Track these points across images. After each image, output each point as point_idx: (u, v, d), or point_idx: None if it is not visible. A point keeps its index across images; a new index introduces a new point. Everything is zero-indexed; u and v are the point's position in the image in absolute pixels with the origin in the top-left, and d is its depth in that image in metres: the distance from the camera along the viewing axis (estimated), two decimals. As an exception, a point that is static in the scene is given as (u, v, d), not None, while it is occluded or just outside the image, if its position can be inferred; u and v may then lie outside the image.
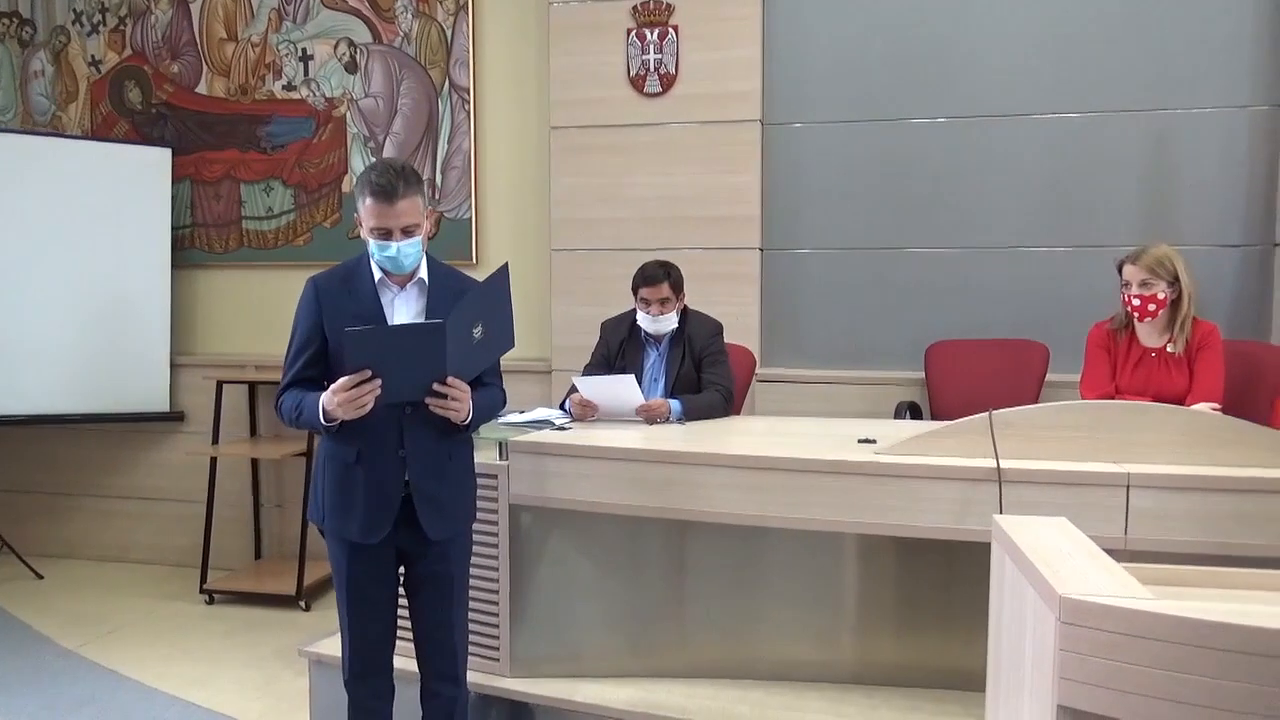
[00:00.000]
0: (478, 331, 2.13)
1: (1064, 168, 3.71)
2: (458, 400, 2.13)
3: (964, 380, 3.61)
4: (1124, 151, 3.65)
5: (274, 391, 2.34)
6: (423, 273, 2.26)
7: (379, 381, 2.03)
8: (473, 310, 2.12)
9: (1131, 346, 2.92)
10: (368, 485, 2.20)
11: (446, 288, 2.27)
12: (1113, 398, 2.85)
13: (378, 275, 2.23)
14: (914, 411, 3.64)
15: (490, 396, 2.33)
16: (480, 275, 4.44)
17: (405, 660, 2.39)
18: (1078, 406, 2.46)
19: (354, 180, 4.45)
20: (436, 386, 2.10)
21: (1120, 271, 2.88)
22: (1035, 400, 3.40)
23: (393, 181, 2.13)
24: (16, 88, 4.84)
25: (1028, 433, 2.37)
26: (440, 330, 2.03)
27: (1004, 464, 2.28)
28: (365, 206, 2.16)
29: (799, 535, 2.62)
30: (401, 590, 2.35)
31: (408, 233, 2.16)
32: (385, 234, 2.15)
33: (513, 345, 2.31)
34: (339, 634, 2.34)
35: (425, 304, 2.25)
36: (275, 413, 2.30)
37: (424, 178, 4.32)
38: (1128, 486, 2.22)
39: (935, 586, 2.67)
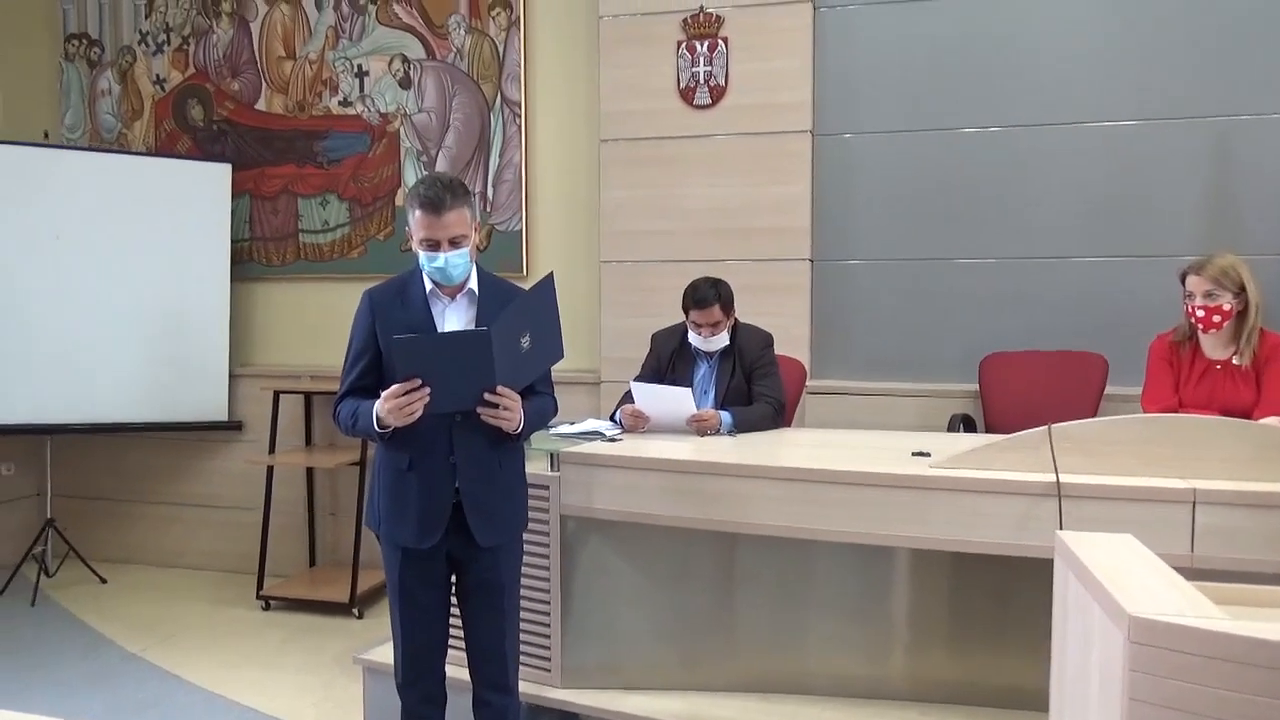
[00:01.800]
0: (525, 341, 2.16)
1: (1121, 176, 3.64)
2: (509, 409, 2.17)
3: (1020, 393, 3.55)
4: (1184, 158, 3.57)
5: (329, 401, 2.40)
6: (472, 284, 2.31)
7: (428, 390, 2.08)
8: (518, 320, 2.15)
9: (1195, 359, 2.85)
10: (420, 491, 2.24)
11: (496, 298, 2.32)
12: (1176, 411, 2.78)
13: (429, 286, 2.28)
14: (968, 424, 3.59)
15: (542, 405, 2.36)
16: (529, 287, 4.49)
17: (459, 669, 2.42)
18: (1140, 420, 2.41)
19: (406, 194, 4.53)
20: (487, 396, 2.13)
21: (1183, 282, 2.82)
22: (1094, 413, 3.33)
23: (440, 194, 2.19)
24: (85, 106, 5.00)
25: (1088, 447, 2.32)
26: (485, 337, 2.07)
27: (1064, 479, 2.24)
28: (414, 219, 2.23)
29: (850, 548, 2.60)
30: (454, 599, 2.38)
31: (455, 244, 2.21)
32: (433, 245, 2.21)
33: (562, 355, 2.34)
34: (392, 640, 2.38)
35: (475, 314, 2.30)
36: (333, 421, 2.35)
37: (475, 191, 4.41)
38: (1194, 503, 2.16)
39: (990, 602, 2.63)
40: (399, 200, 4.57)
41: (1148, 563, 1.36)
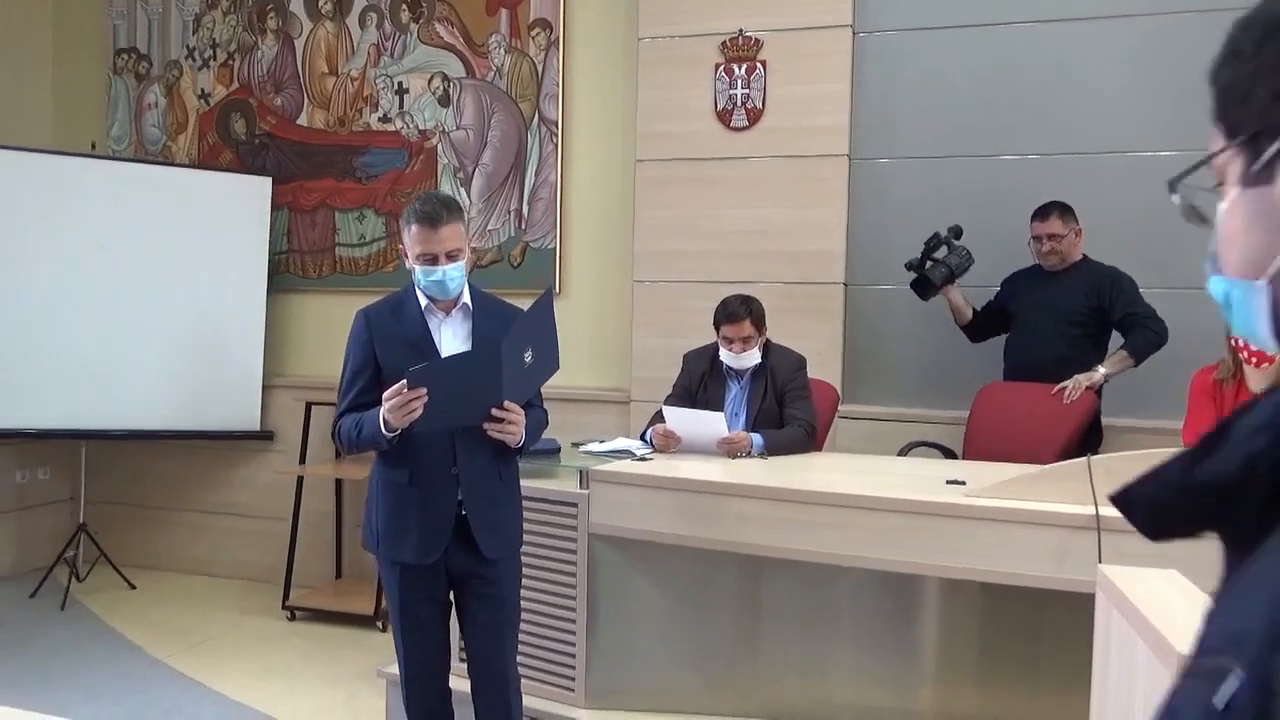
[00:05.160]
0: (528, 356, 2.21)
1: (1161, 206, 3.53)
2: (513, 424, 2.20)
3: (1001, 423, 3.43)
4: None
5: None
6: (466, 299, 2.34)
7: (424, 391, 2.09)
8: (522, 336, 2.20)
9: (1239, 394, 2.79)
10: (421, 506, 2.26)
11: (489, 312, 2.36)
12: (1219, 446, 2.72)
13: (424, 303, 2.32)
14: (948, 453, 3.52)
15: (538, 418, 2.39)
16: (562, 305, 4.50)
17: (465, 681, 2.41)
18: (1183, 454, 2.35)
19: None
20: (495, 411, 2.16)
21: (1229, 315, 2.76)
22: (1069, 445, 3.24)
23: (437, 209, 2.25)
24: (131, 119, 5.10)
25: (1129, 479, 2.27)
26: (496, 353, 2.12)
27: (1104, 511, 2.19)
28: (411, 233, 2.27)
29: (880, 576, 2.56)
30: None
31: (452, 257, 2.26)
32: (431, 259, 2.24)
33: (558, 368, 2.37)
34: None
35: (471, 328, 2.33)
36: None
37: (511, 208, 4.45)
38: (1238, 540, 2.11)
39: (1021, 635, 2.57)
40: (435, 216, 4.60)
41: (1195, 599, 1.32)
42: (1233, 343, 2.75)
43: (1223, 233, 0.64)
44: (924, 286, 3.57)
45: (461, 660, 2.40)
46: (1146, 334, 3.28)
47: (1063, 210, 3.43)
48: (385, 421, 2.16)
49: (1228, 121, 0.64)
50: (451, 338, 2.32)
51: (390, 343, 2.28)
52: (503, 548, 2.33)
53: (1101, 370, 3.31)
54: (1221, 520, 0.59)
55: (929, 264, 3.57)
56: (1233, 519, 0.57)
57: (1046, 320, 3.39)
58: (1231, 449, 0.59)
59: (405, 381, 2.10)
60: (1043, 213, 3.45)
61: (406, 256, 2.31)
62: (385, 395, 2.15)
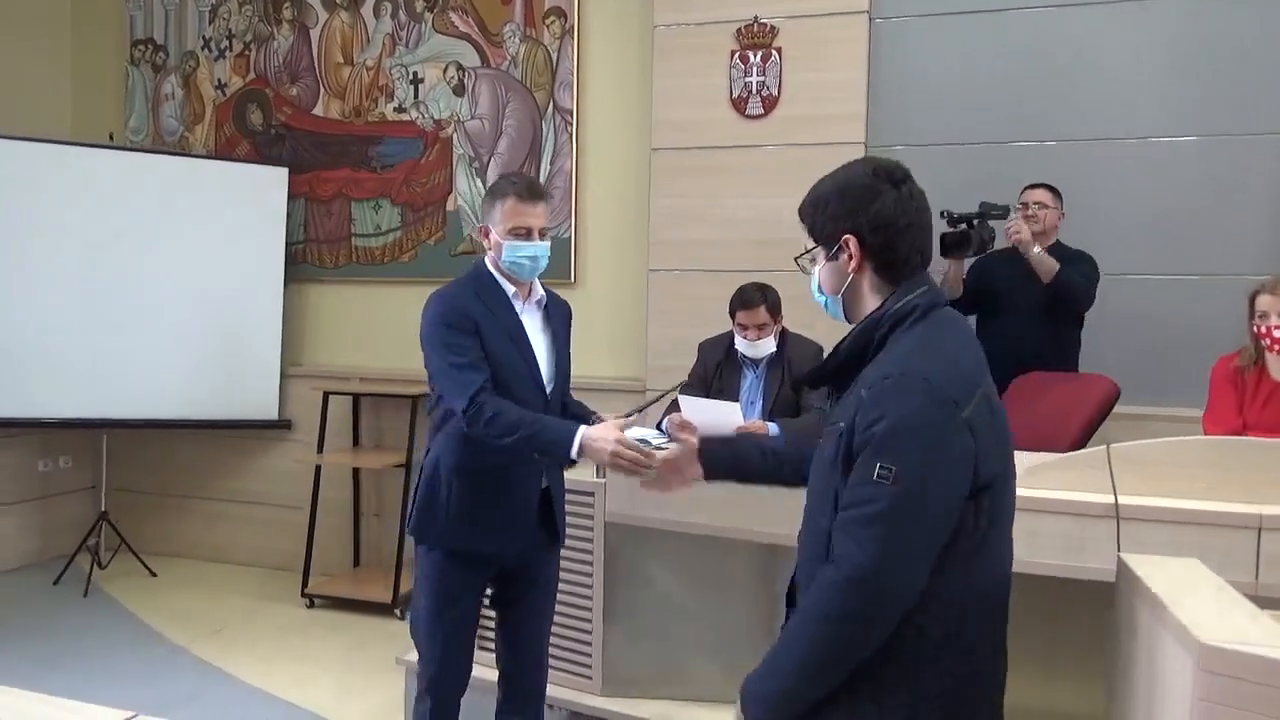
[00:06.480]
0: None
1: (1182, 193, 3.54)
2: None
3: (1015, 412, 3.36)
4: (1247, 176, 3.47)
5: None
6: (540, 290, 2.33)
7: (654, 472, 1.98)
8: None
9: (1261, 381, 2.76)
10: (509, 492, 2.23)
11: (555, 303, 2.38)
12: (1240, 434, 2.70)
13: (511, 290, 2.26)
14: None
15: None
16: (578, 294, 4.50)
17: (485, 670, 2.42)
18: (1204, 442, 2.34)
19: (460, 199, 4.56)
20: None
21: (1252, 303, 2.73)
22: (1080, 438, 3.20)
23: (533, 183, 2.26)
24: (149, 109, 5.13)
25: (1149, 468, 2.25)
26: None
27: (1122, 500, 2.17)
28: (506, 207, 2.19)
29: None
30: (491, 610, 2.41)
31: (542, 234, 2.24)
32: (525, 233, 2.20)
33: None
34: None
35: (544, 319, 2.33)
36: (473, 418, 2.07)
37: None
38: (1260, 529, 2.09)
39: (1036, 622, 2.55)
40: (450, 205, 4.61)
41: (1217, 589, 1.31)
42: (1258, 329, 2.72)
43: (821, 277, 1.50)
44: (959, 245, 3.34)
45: (488, 648, 2.41)
46: (1078, 279, 3.30)
47: (1053, 190, 3.44)
48: (585, 446, 2.02)
49: (814, 235, 1.50)
50: (533, 327, 2.30)
51: (489, 328, 2.17)
52: (564, 532, 2.40)
53: (1036, 248, 3.30)
54: (834, 383, 1.48)
55: (974, 225, 3.34)
56: (838, 384, 1.44)
57: (1021, 308, 3.36)
58: (838, 356, 1.44)
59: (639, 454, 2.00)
60: (1033, 187, 3.45)
61: (485, 237, 2.23)
62: (624, 445, 2.02)
